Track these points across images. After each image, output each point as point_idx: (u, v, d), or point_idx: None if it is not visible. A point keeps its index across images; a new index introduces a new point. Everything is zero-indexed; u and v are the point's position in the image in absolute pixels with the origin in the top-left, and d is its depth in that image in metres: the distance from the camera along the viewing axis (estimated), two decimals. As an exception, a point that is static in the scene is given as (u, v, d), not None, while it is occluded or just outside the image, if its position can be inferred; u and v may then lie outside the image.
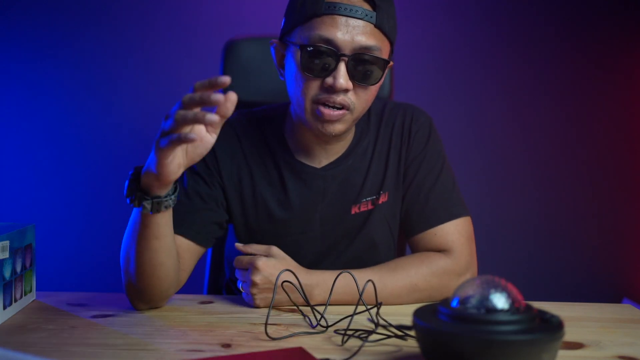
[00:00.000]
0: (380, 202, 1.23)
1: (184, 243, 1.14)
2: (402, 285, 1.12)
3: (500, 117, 2.31)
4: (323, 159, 1.21)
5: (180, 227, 1.12)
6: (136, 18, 2.22)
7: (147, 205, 0.96)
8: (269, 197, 1.21)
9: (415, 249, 1.23)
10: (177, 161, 0.93)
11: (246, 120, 1.25)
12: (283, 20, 1.15)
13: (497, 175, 2.32)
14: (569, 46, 2.29)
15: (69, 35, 2.22)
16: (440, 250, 1.19)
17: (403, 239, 1.40)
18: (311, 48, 1.06)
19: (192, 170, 1.20)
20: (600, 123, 2.32)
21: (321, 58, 1.06)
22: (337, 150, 1.21)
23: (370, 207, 1.23)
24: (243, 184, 1.21)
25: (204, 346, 0.90)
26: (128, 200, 0.97)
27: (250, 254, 1.12)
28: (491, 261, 2.27)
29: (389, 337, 0.92)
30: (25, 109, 2.23)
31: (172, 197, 0.98)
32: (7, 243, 1.01)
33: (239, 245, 1.15)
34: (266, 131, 1.23)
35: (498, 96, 2.30)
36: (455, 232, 1.19)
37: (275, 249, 1.11)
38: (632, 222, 2.34)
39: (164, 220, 1.01)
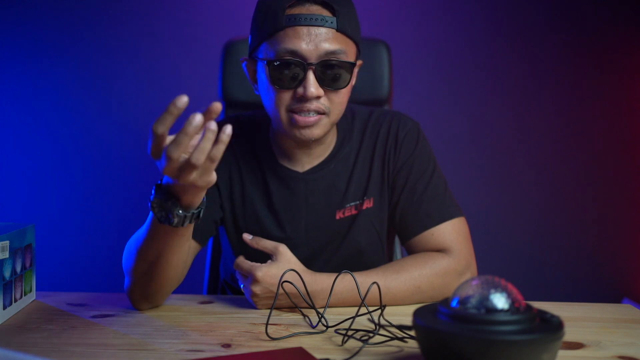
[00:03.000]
0: (364, 207, 1.23)
1: None
2: (405, 288, 1.12)
3: (500, 117, 2.31)
4: (306, 163, 1.23)
5: None
6: (136, 18, 2.22)
7: (187, 220, 0.94)
8: (256, 199, 1.23)
9: (413, 253, 1.22)
10: (204, 175, 0.87)
11: (236, 124, 1.26)
12: (249, 37, 1.17)
13: (497, 175, 2.32)
14: (569, 46, 2.29)
15: (69, 35, 2.22)
16: (439, 250, 1.19)
17: (393, 244, 1.40)
18: (278, 62, 1.08)
19: None
20: (600, 123, 2.32)
21: (289, 70, 1.08)
22: (320, 154, 1.23)
23: (354, 212, 1.23)
24: (233, 184, 1.24)
25: (204, 346, 0.90)
26: (167, 221, 0.93)
27: (255, 251, 1.13)
28: (491, 261, 2.28)
29: (390, 339, 0.92)
30: (25, 109, 2.24)
31: (204, 204, 0.97)
32: (7, 243, 1.01)
33: (246, 237, 1.14)
34: (253, 136, 1.26)
35: (497, 96, 2.30)
36: (453, 231, 1.20)
37: (282, 248, 1.10)
38: (632, 222, 2.34)
39: (192, 226, 1.01)
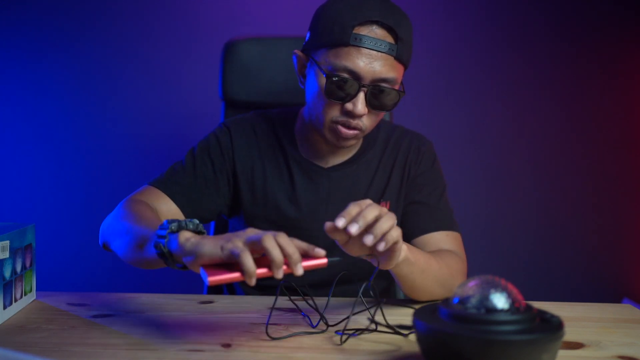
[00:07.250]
0: None
1: (178, 214, 1.21)
2: (434, 277, 1.10)
3: (501, 117, 2.31)
4: (330, 160, 1.29)
5: (180, 199, 1.21)
6: (136, 18, 2.22)
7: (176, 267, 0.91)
8: (278, 191, 1.27)
9: None
10: None
11: (262, 119, 1.33)
12: (308, 33, 1.20)
13: (497, 175, 2.32)
14: (569, 47, 2.29)
15: (69, 36, 2.22)
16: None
17: None
18: (336, 78, 1.12)
19: (205, 151, 1.27)
20: (600, 123, 2.32)
21: (344, 86, 1.12)
22: (344, 153, 1.29)
23: None
24: (255, 175, 1.28)
25: (204, 346, 0.90)
26: (161, 258, 0.88)
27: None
28: (491, 261, 2.28)
29: (388, 333, 0.92)
30: (25, 109, 2.24)
31: None
32: (7, 243, 1.01)
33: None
34: (279, 131, 1.31)
35: (497, 97, 2.30)
36: (453, 239, 1.25)
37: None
38: (632, 222, 2.34)
39: None
